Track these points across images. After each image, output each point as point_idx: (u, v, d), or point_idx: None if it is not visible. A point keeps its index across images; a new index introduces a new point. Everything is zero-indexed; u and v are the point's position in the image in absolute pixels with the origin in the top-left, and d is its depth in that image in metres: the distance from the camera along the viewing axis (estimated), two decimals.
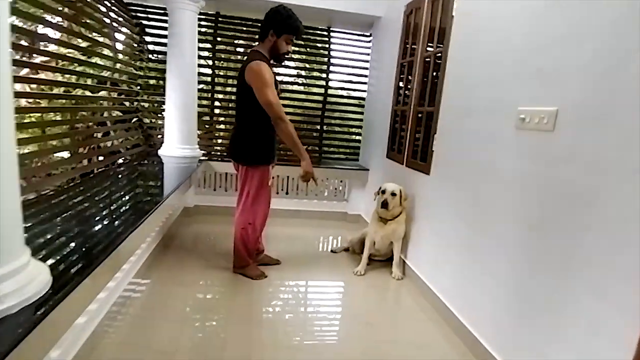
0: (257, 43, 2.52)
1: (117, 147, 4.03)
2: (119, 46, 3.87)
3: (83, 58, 3.68)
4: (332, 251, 3.40)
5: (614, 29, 1.33)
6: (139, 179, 3.08)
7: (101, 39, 3.43)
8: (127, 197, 2.56)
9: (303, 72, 5.43)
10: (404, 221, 2.89)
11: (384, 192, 2.82)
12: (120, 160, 3.79)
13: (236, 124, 2.58)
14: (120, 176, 3.06)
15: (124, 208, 2.30)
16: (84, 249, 1.44)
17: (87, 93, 4.52)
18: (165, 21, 3.68)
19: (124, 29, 3.72)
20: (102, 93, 4.44)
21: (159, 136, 4.06)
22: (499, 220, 1.91)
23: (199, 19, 4.09)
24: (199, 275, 2.71)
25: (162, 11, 3.87)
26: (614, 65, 1.33)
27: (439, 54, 2.61)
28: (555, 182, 1.56)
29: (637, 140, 1.23)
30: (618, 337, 1.26)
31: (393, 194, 2.79)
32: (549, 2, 1.64)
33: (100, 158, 4.26)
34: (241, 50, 5.04)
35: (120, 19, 3.64)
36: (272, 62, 2.50)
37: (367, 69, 4.43)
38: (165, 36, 3.70)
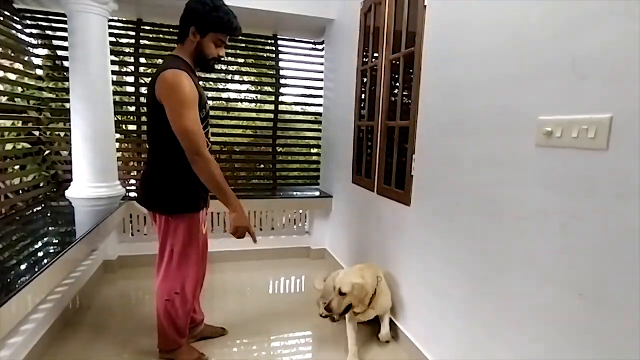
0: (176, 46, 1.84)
1: (11, 189, 3.17)
2: (16, 64, 3.10)
3: None
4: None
5: None
6: (32, 233, 2.28)
7: None
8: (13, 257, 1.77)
9: (250, 87, 4.81)
10: (386, 292, 2.22)
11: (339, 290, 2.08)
12: (21, 204, 2.94)
13: (149, 158, 1.88)
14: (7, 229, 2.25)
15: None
16: None
17: None
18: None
19: (13, 41, 2.94)
20: None
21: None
22: (520, 278, 1.35)
23: (116, 27, 3.40)
24: None
25: (63, 18, 3.11)
26: None
27: (410, 55, 2.09)
28: (618, 227, 1.02)
29: None
30: None
31: (341, 293, 2.05)
32: None
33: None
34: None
35: (12, 30, 2.86)
36: (197, 70, 1.84)
37: (321, 80, 3.88)
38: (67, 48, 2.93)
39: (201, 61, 1.80)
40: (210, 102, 3.35)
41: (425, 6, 1.94)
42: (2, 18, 2.81)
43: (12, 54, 3.00)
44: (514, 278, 1.39)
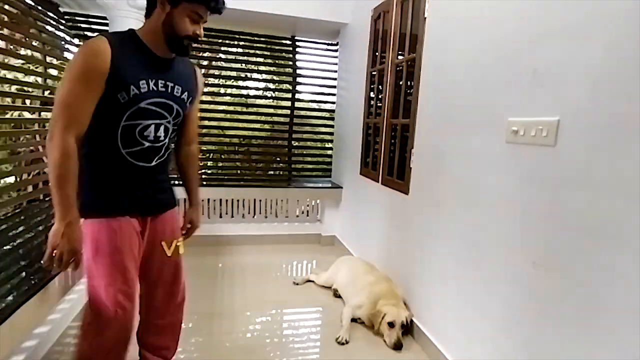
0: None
1: None
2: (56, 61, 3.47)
3: (19, 76, 3.26)
4: (294, 283, 3.01)
5: (632, 18, 1.07)
6: None
7: (36, 54, 3.03)
8: None
9: (269, 85, 5.11)
10: None
11: (392, 325, 2.19)
12: None
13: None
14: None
15: None
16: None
17: (26, 114, 4.05)
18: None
19: (59, 42, 3.31)
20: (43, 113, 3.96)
21: None
22: (491, 252, 1.62)
23: None
24: None
25: (104, 21, 3.47)
26: (633, 62, 1.07)
27: (412, 60, 2.35)
28: (563, 209, 1.29)
29: None
30: None
31: (404, 326, 2.22)
32: None
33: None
34: (204, 63, 4.73)
35: (58, 31, 3.23)
36: (166, 51, 1.38)
37: (335, 79, 4.16)
38: None
39: (172, 39, 1.35)
40: (228, 98, 3.62)
41: (425, 18, 2.19)
42: (49, 20, 3.16)
43: (56, 52, 3.36)
44: (486, 252, 1.66)
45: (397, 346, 2.14)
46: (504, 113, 1.54)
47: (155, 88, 1.36)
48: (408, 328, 2.26)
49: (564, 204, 1.28)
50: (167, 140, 1.46)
